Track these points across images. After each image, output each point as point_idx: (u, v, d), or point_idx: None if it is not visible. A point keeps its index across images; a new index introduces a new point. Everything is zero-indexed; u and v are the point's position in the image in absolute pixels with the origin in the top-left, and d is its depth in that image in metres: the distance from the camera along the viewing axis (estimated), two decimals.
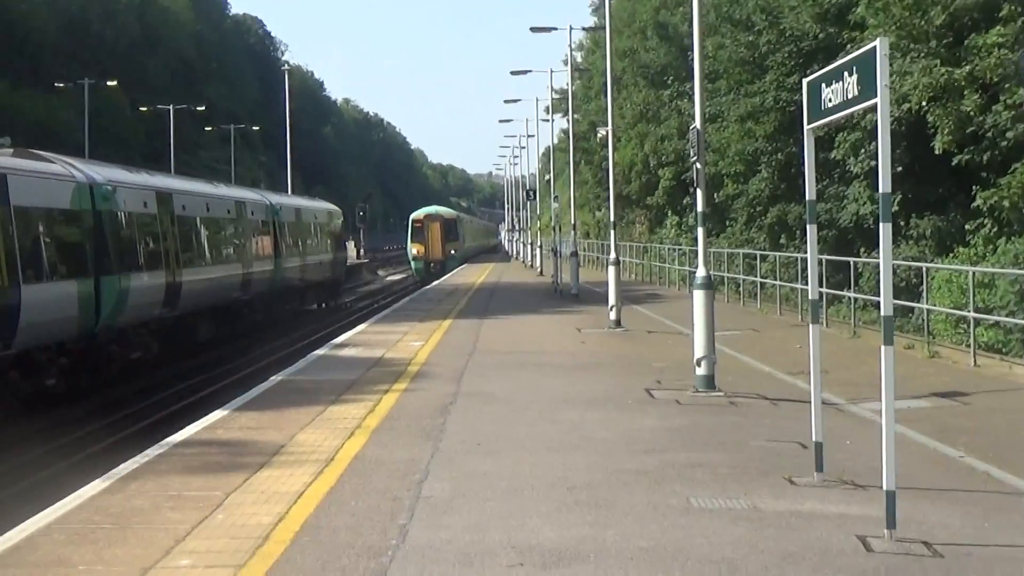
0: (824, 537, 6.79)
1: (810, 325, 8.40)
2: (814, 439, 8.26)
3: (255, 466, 8.79)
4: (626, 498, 7.77)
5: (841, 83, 7.15)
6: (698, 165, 13.24)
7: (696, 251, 15.35)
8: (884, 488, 6.59)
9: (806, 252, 8.67)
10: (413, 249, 57.05)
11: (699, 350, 12.81)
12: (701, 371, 12.83)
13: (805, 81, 8.09)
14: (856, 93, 6.90)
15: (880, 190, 6.58)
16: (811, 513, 7.43)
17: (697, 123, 13.28)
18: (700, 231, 13.71)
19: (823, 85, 7.57)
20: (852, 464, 8.69)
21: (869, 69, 6.55)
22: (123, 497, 7.80)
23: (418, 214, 59.22)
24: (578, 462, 9.02)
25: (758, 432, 10.66)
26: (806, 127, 8.07)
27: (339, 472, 8.53)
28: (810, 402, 8.55)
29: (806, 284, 10.69)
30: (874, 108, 6.60)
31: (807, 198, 8.32)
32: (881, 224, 6.55)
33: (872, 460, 7.99)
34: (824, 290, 19.60)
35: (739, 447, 9.88)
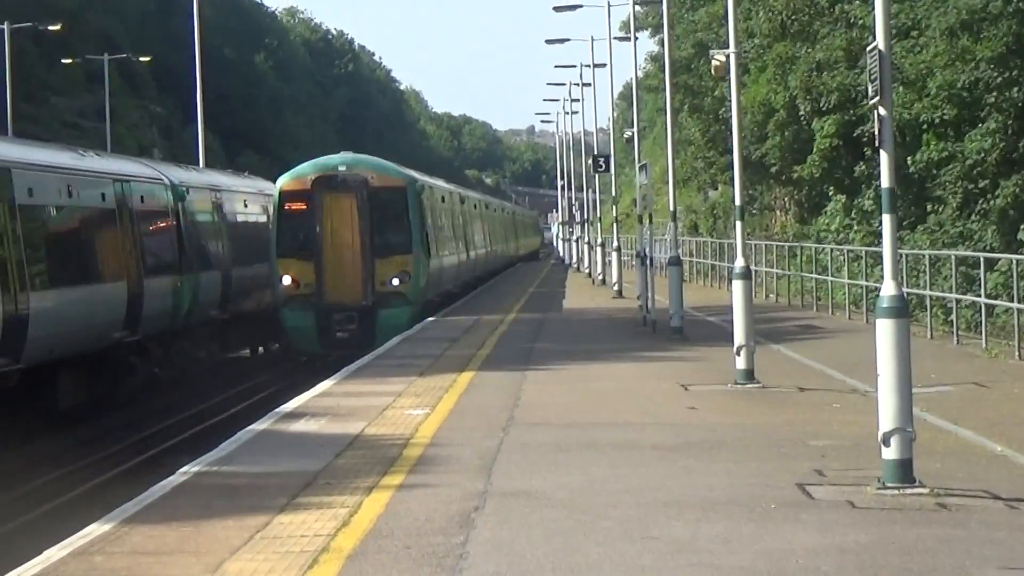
0: None
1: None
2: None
3: None
4: None
5: None
6: (881, 110, 7.88)
7: (880, 253, 11.00)
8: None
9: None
10: (284, 277, 25.23)
11: (886, 420, 7.92)
12: (890, 454, 7.97)
13: None
14: None
15: None
16: None
17: (880, 41, 7.81)
18: (887, 221, 8.02)
19: None
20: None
21: None
22: None
23: (295, 175, 26.81)
24: None
25: (988, 556, 6.32)
26: None
27: None
28: None
29: None
30: None
31: None
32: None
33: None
34: None
35: None
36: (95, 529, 7.35)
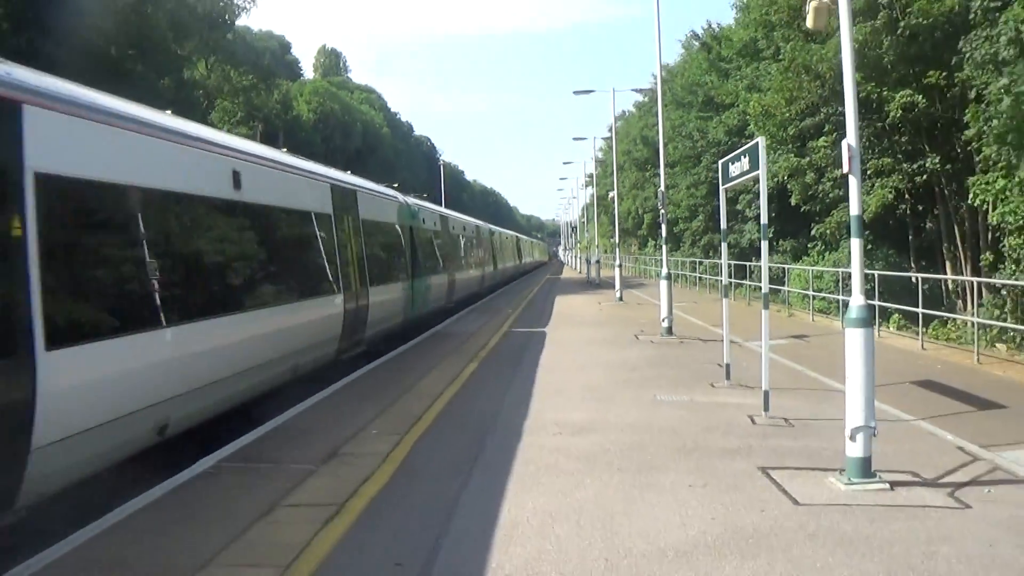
0: (729, 416, 11.35)
1: (722, 299, 14.35)
2: (725, 361, 13.92)
3: None
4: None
5: (740, 162, 12.06)
6: (662, 211, 22.84)
7: (660, 259, 27.82)
8: (763, 388, 11.36)
9: (720, 260, 22.71)
10: None
11: (663, 312, 21.06)
12: (664, 324, 20.91)
13: (720, 163, 13.39)
14: (747, 167, 11.71)
15: (761, 221, 11.61)
16: (723, 403, 12.27)
17: (662, 187, 23.34)
18: (665, 248, 23.29)
19: (730, 163, 12.63)
20: (745, 376, 13.81)
21: (755, 154, 11.30)
22: None
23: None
24: None
25: (695, 357, 17.23)
26: (721, 188, 13.29)
27: None
28: (723, 340, 14.14)
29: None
30: (757, 176, 11.28)
31: (722, 228, 14.48)
32: (762, 242, 11.72)
33: (756, 373, 12.26)
34: (734, 280, 34.26)
35: (685, 366, 15.97)
36: None
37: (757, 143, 11.13)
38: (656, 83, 25.48)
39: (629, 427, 10.75)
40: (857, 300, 8.14)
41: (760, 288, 24.80)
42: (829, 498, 7.80)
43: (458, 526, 7.20)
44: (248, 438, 10.48)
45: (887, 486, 8.07)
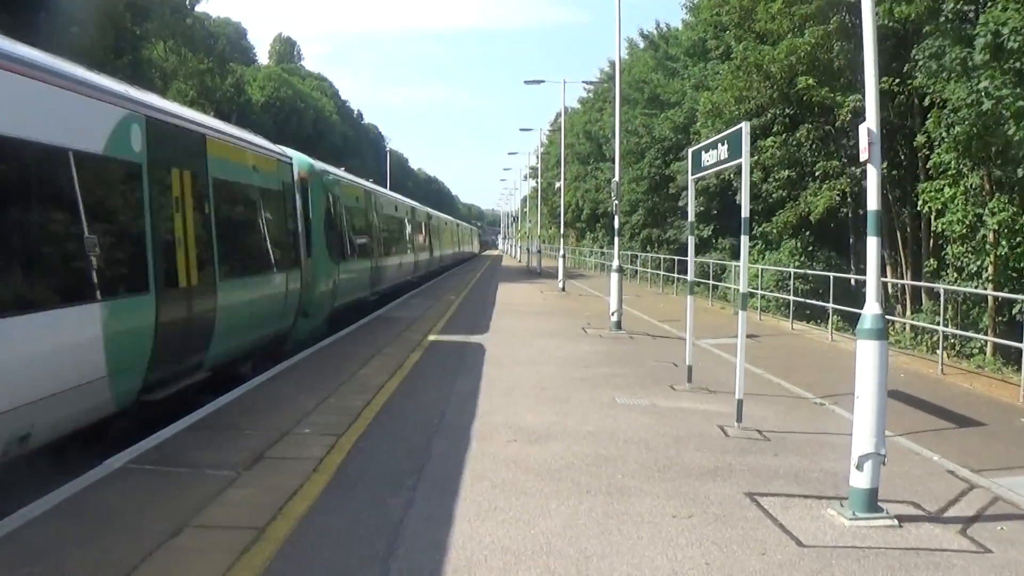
0: (698, 426, 9.88)
1: (689, 296, 12.96)
2: (688, 363, 12.51)
3: None
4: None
5: (716, 150, 10.58)
6: (616, 202, 20.19)
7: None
8: (736, 396, 9.88)
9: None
10: None
11: (613, 306, 19.51)
12: (613, 319, 19.24)
13: (690, 151, 12.15)
14: (726, 156, 10.28)
15: (743, 215, 9.78)
16: (688, 410, 10.77)
17: (617, 177, 20.69)
18: (617, 241, 20.75)
19: (703, 152, 11.21)
20: (705, 378, 12.71)
21: (736, 141, 9.88)
22: None
23: None
24: None
25: (648, 355, 15.80)
26: (690, 178, 11.94)
27: None
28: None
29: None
30: (733, 165, 10.38)
31: (690, 221, 12.69)
32: (742, 237, 9.97)
33: (715, 375, 12.98)
34: (673, 275, 34.11)
35: (639, 364, 14.59)
36: None
37: (740, 129, 9.75)
38: (614, 77, 23.85)
39: (591, 435, 9.31)
40: (872, 308, 6.78)
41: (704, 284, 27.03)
42: (835, 537, 6.47)
43: (401, 568, 5.69)
44: (168, 432, 8.83)
45: (895, 522, 6.79)
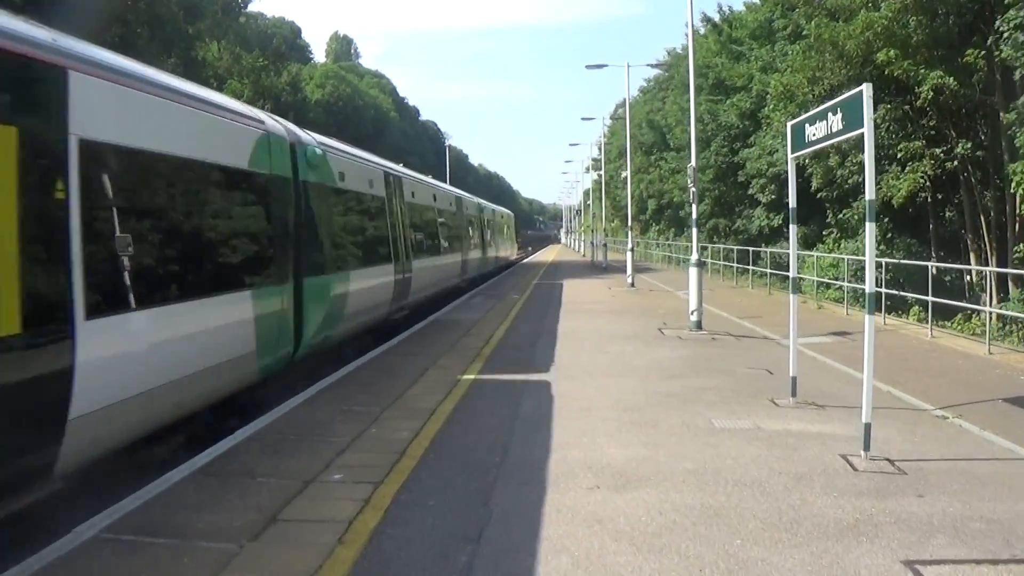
0: (818, 456, 7.77)
1: (791, 296, 10.28)
2: (792, 373, 10.10)
3: None
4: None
5: (825, 121, 8.47)
6: (693, 189, 18.71)
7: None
8: (864, 419, 7.77)
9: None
10: None
11: (693, 303, 17.23)
12: (693, 318, 17.06)
13: (789, 124, 9.74)
14: (840, 127, 8.16)
15: (867, 197, 7.83)
16: (800, 433, 8.62)
17: (693, 162, 18.78)
18: (695, 231, 18.46)
19: (807, 125, 9.05)
20: (807, 388, 10.49)
21: (855, 108, 7.79)
22: None
23: None
24: None
25: (737, 359, 13.49)
26: (790, 156, 9.89)
27: None
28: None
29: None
30: (850, 137, 8.11)
31: (790, 207, 10.33)
32: (867, 223, 9.98)
33: (817, 384, 11.05)
34: (746, 267, 31.64)
35: (729, 372, 12.28)
36: None
37: (859, 92, 7.69)
38: (687, 57, 22.06)
39: (691, 476, 7.28)
40: None
41: (786, 276, 23.51)
42: None
43: None
44: (162, 484, 7.04)
45: None
